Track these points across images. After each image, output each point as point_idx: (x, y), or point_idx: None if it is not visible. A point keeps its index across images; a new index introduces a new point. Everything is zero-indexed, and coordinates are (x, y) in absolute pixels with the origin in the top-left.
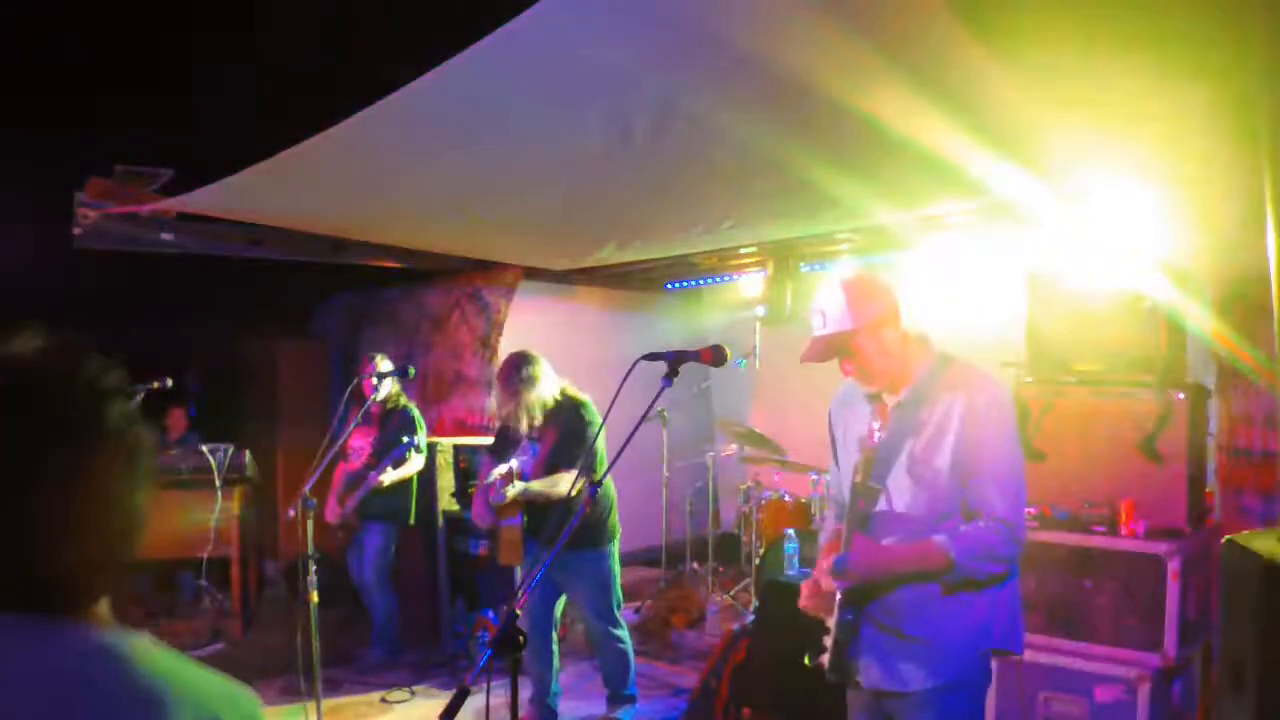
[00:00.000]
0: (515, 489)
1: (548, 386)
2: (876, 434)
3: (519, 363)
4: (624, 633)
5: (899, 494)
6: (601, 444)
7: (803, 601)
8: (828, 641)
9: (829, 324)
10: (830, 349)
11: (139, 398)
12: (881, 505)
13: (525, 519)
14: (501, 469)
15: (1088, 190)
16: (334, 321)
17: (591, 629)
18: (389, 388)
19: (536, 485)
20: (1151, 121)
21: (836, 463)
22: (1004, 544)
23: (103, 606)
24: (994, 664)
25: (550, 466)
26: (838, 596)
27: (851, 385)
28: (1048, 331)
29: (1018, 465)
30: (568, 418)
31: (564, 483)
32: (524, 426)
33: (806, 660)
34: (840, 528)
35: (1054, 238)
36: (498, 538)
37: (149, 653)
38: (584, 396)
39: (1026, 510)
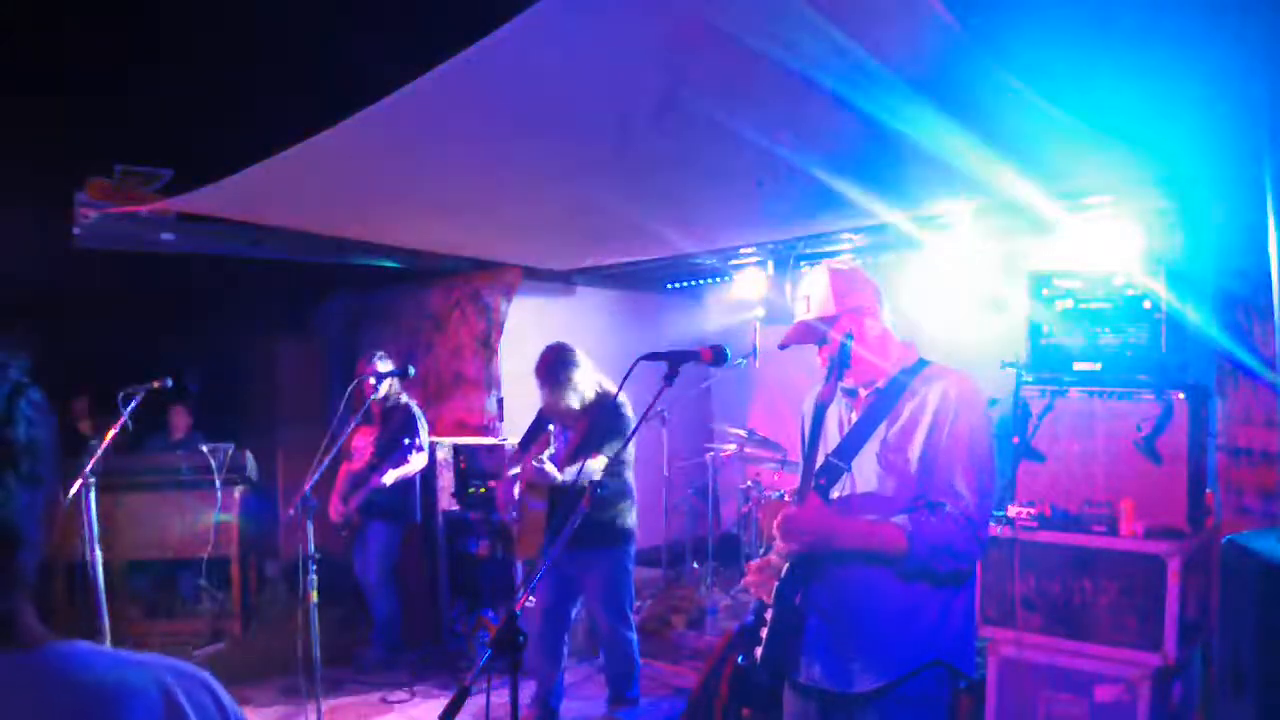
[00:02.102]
0: (557, 472)
1: (586, 379)
2: (850, 420)
3: (560, 355)
4: (634, 635)
5: (863, 478)
6: (631, 445)
7: (748, 579)
8: (763, 633)
9: (812, 308)
10: (811, 333)
11: (139, 397)
12: (844, 488)
13: (550, 510)
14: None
15: (1087, 190)
16: (334, 321)
17: (602, 628)
18: (389, 387)
19: (569, 473)
20: (1151, 121)
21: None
22: (965, 539)
23: (26, 621)
24: (994, 664)
25: (579, 455)
26: (782, 571)
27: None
28: (1048, 331)
29: (988, 463)
30: (603, 411)
31: (591, 469)
32: (561, 416)
33: (740, 659)
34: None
35: (1054, 237)
36: (521, 528)
37: (88, 656)
38: (622, 394)
39: (994, 513)
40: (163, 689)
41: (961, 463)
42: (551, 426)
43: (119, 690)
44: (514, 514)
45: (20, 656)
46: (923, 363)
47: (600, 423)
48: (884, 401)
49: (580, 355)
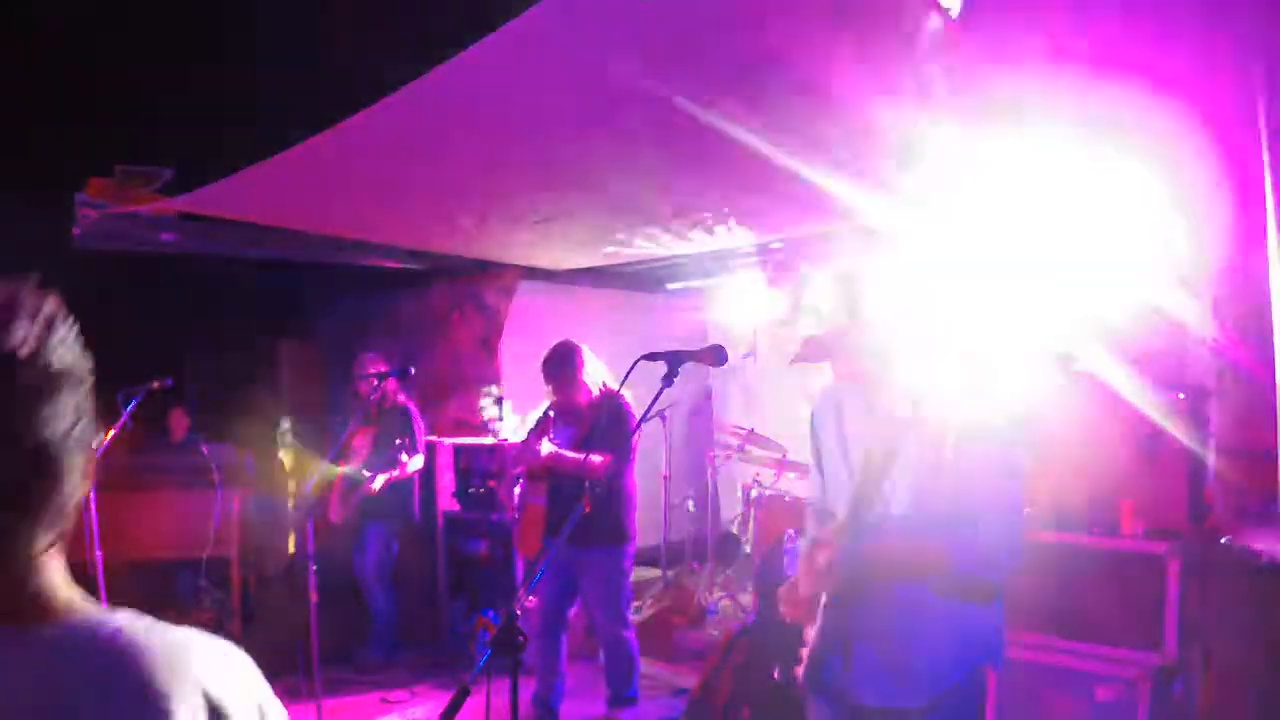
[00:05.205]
0: (549, 448)
1: (593, 378)
2: (874, 438)
3: (565, 352)
4: (632, 634)
5: (896, 499)
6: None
7: (784, 608)
8: (804, 652)
9: (823, 322)
10: (823, 349)
11: (139, 397)
12: (878, 509)
13: (548, 505)
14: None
15: (1088, 191)
16: (334, 321)
17: (600, 627)
18: (386, 388)
19: (570, 456)
20: (1152, 122)
21: (821, 472)
22: (1001, 554)
23: (62, 591)
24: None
25: (583, 450)
26: (822, 600)
27: (836, 391)
28: (1047, 331)
29: (1020, 477)
30: (608, 412)
31: (594, 461)
32: (565, 413)
33: (777, 673)
34: (825, 534)
35: (1054, 238)
36: (521, 525)
37: (133, 632)
38: (629, 396)
39: (1026, 517)
40: (201, 688)
41: (997, 478)
42: (552, 413)
43: (154, 684)
44: (517, 513)
45: (34, 630)
46: (949, 372)
47: (605, 424)
48: (910, 419)
49: (587, 353)
